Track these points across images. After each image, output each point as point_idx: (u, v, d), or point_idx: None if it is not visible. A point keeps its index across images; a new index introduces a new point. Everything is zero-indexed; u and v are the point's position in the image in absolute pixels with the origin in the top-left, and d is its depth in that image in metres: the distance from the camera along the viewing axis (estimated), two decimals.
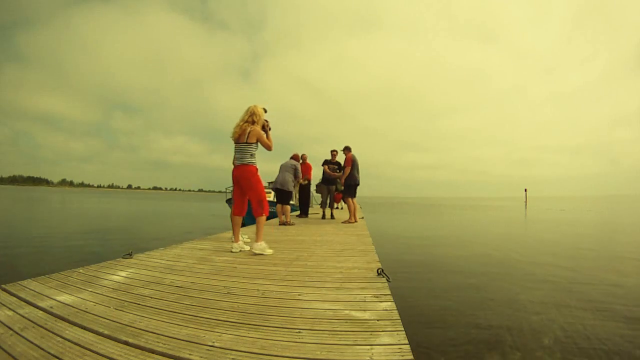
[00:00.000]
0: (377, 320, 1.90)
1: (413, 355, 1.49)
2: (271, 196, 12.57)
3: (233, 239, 4.43)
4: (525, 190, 50.31)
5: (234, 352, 1.54)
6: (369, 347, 1.57)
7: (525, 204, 47.69)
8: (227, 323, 1.90)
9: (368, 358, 1.48)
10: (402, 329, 1.77)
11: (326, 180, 9.37)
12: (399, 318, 1.92)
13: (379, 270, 2.97)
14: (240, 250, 4.21)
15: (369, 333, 1.73)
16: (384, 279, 2.79)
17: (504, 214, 29.38)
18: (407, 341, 1.62)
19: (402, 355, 1.48)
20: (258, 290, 2.55)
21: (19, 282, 2.57)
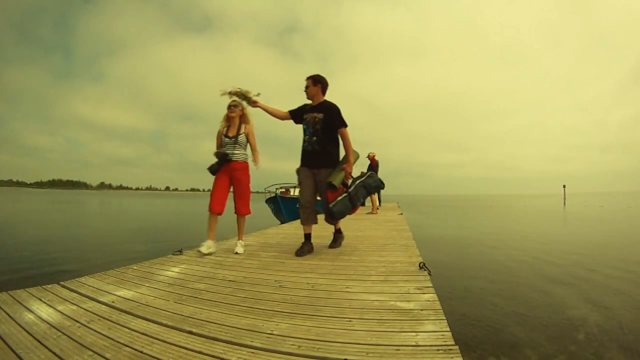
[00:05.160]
0: (421, 310, 1.97)
1: (454, 341, 1.56)
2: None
3: (209, 236, 3.92)
4: (564, 186, 47.68)
5: (292, 339, 1.62)
6: (414, 333, 1.65)
7: (564, 201, 45.10)
8: (282, 313, 1.97)
9: (414, 343, 1.56)
10: (444, 318, 1.83)
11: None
12: (440, 308, 1.98)
13: (421, 264, 3.00)
14: (210, 253, 3.82)
15: (414, 321, 1.80)
16: (425, 273, 2.81)
17: (544, 210, 28.08)
18: (448, 328, 1.68)
19: (445, 341, 1.56)
20: (307, 283, 2.61)
21: (77, 279, 2.69)
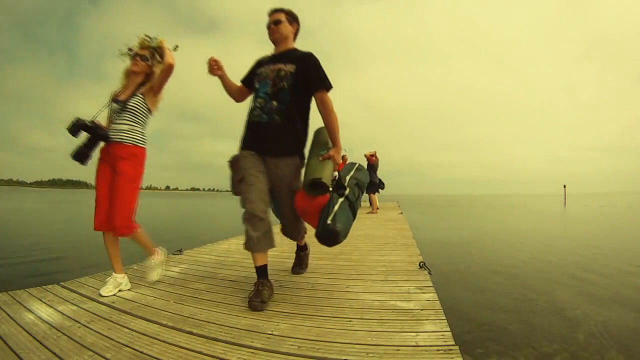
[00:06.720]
0: (421, 310, 1.99)
1: (454, 341, 1.57)
2: None
3: (114, 268, 2.47)
4: (564, 186, 47.80)
5: (292, 339, 1.63)
6: (414, 333, 1.67)
7: (565, 201, 45.09)
8: (282, 314, 1.98)
9: (414, 343, 1.57)
10: (444, 317, 1.85)
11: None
12: (441, 308, 2.00)
13: (421, 264, 3.04)
14: (120, 290, 2.39)
15: (414, 321, 1.82)
16: (425, 272, 2.85)
17: (545, 210, 28.04)
18: (449, 328, 1.70)
19: (445, 341, 1.57)
20: (307, 282, 2.63)
21: (77, 280, 2.68)
